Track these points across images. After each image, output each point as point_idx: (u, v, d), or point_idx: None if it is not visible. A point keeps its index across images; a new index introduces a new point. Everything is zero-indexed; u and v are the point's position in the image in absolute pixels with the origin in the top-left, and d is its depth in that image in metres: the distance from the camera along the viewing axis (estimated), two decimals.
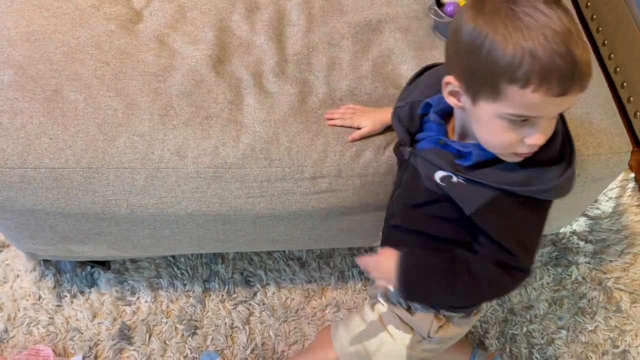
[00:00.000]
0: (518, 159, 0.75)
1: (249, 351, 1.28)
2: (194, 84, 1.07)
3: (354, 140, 1.03)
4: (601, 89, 1.14)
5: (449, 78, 0.74)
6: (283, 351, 1.29)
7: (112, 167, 1.00)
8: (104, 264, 1.35)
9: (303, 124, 1.04)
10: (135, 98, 1.04)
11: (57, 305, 1.32)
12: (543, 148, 0.73)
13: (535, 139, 0.70)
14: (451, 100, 0.76)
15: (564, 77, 0.64)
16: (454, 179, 0.79)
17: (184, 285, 1.36)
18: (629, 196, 1.55)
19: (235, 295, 1.35)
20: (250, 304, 1.34)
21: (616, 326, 1.36)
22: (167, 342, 1.29)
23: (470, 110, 0.73)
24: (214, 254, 1.39)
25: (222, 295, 1.35)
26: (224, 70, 1.10)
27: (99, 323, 1.30)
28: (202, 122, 1.03)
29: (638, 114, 1.61)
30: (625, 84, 1.65)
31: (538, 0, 0.66)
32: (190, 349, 1.28)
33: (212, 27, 1.14)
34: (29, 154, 0.99)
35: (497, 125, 0.70)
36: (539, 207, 0.79)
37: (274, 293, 1.36)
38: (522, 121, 0.69)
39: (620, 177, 1.58)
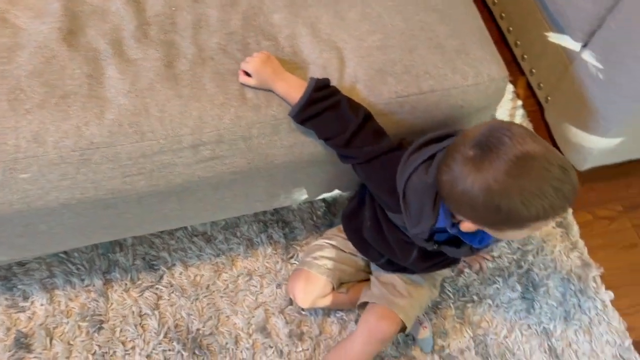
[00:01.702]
0: None
1: (162, 336, 1.23)
2: (44, 62, 0.96)
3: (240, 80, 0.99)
4: (474, 19, 1.14)
5: (467, 225, 0.87)
6: (198, 329, 1.24)
7: None
8: None
9: (173, 90, 0.96)
10: None
11: None
12: None
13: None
14: (468, 228, 0.88)
15: (572, 201, 0.81)
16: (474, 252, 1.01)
17: (82, 280, 1.26)
18: (519, 123, 1.60)
19: (139, 282, 1.28)
20: (157, 288, 1.28)
21: (519, 248, 1.42)
22: (71, 342, 1.20)
23: (490, 231, 0.88)
24: (111, 243, 1.31)
25: (126, 284, 1.27)
26: (77, 42, 0.99)
27: None
28: (58, 102, 0.93)
29: (518, 43, 1.65)
30: (503, 14, 1.68)
31: (524, 140, 0.79)
32: (98, 345, 1.21)
33: None
34: None
35: (519, 235, 0.88)
36: None
37: (181, 273, 1.30)
38: None
39: (509, 106, 1.64)
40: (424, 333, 1.27)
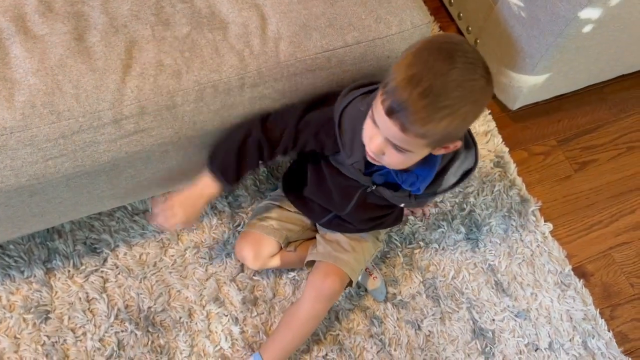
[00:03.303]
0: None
1: (112, 318, 1.20)
2: None
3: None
4: None
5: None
6: (150, 307, 1.23)
7: None
8: None
9: (86, 64, 0.91)
10: None
11: None
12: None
13: None
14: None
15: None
16: (413, 201, 1.03)
17: (22, 272, 1.22)
18: None
19: (83, 267, 1.24)
20: (102, 271, 1.25)
21: (460, 191, 1.46)
22: (17, 336, 1.17)
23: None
24: (48, 230, 1.26)
25: (69, 271, 1.23)
26: None
27: None
28: None
29: None
30: None
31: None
32: (47, 336, 1.17)
33: None
34: None
35: None
36: None
37: (125, 253, 1.27)
38: None
39: None
40: (375, 283, 1.30)
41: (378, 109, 0.81)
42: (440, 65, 0.75)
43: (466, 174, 0.98)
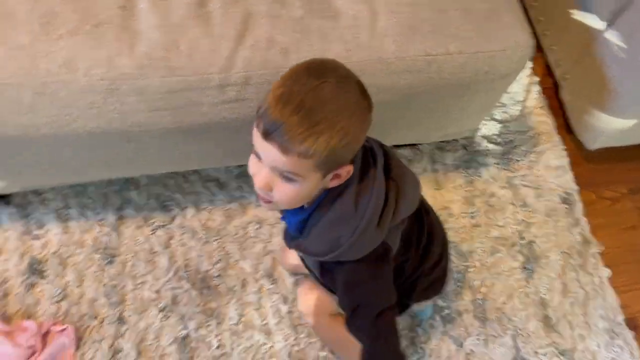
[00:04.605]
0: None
1: (171, 274, 1.26)
2: None
3: None
4: None
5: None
6: (207, 270, 1.27)
7: None
8: (2, 198, 1.25)
9: (203, 28, 0.97)
10: (11, 6, 0.93)
11: None
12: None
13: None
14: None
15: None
16: (293, 246, 0.90)
17: (97, 214, 1.29)
18: (534, 99, 1.62)
19: (152, 221, 1.30)
20: (169, 228, 1.30)
21: (523, 220, 1.45)
22: (83, 272, 1.23)
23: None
24: (125, 180, 1.33)
25: (139, 222, 1.30)
26: None
27: (4, 260, 1.22)
28: (91, 30, 0.93)
29: (541, 19, 1.65)
30: None
31: None
32: (109, 277, 1.24)
33: None
34: None
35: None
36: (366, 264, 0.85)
37: (193, 215, 1.32)
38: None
39: (525, 82, 1.64)
40: (421, 304, 1.28)
41: (256, 136, 0.76)
42: (310, 80, 0.73)
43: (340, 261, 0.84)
